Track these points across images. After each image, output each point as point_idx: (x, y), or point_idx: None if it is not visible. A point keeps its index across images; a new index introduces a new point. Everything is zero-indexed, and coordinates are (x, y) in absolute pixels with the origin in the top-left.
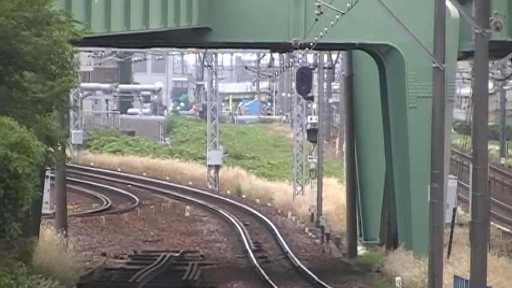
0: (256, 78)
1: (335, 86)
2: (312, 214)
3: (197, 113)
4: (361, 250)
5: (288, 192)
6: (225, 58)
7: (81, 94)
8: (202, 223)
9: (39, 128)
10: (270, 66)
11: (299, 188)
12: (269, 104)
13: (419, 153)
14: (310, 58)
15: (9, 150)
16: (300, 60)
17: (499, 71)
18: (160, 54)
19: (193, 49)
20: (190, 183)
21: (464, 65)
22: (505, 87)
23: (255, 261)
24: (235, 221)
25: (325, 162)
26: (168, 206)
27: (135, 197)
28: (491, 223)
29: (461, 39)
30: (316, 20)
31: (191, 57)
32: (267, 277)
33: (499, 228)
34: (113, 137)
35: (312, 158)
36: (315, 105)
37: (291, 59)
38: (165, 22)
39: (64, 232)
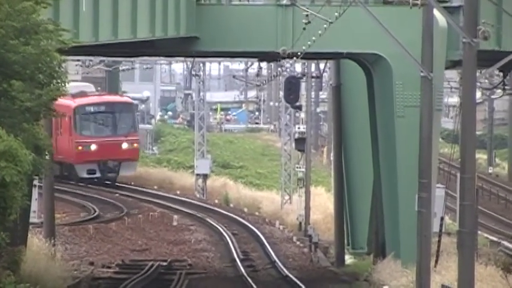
0: (244, 87)
1: (323, 95)
2: (300, 223)
3: (185, 122)
4: (349, 259)
5: (276, 201)
6: (213, 67)
7: None
8: (190, 232)
9: (27, 137)
10: (257, 75)
11: (287, 197)
12: (257, 113)
13: (407, 162)
14: (298, 67)
15: None
16: (288, 70)
17: (486, 80)
18: (148, 63)
19: (181, 58)
20: (179, 192)
21: (452, 74)
22: (492, 97)
23: (242, 270)
24: (223, 230)
25: (313, 171)
26: (156, 215)
27: (123, 206)
28: (479, 232)
29: (449, 48)
30: (304, 29)
31: (179, 66)
32: (254, 286)
33: (487, 237)
34: None
35: (299, 167)
36: (302, 115)
37: (279, 68)
38: (153, 31)
39: (52, 241)
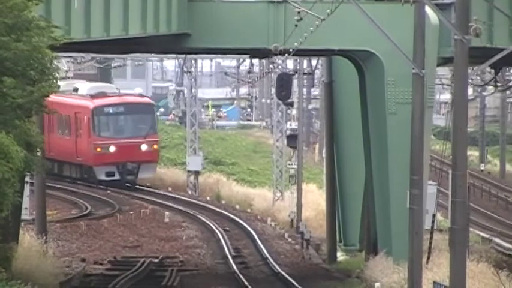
0: (236, 84)
1: (315, 92)
2: (292, 220)
3: (177, 119)
4: (340, 256)
5: (268, 198)
6: (205, 64)
7: None
8: (182, 229)
9: (18, 134)
10: (249, 72)
11: (279, 194)
12: (249, 110)
13: (398, 159)
14: (290, 64)
15: None
16: (280, 66)
17: (478, 77)
18: (140, 60)
19: (173, 55)
20: (170, 189)
21: (444, 71)
22: (484, 93)
23: (234, 267)
24: (215, 226)
25: (304, 168)
26: (147, 212)
27: (115, 203)
28: (471, 229)
29: (441, 45)
30: (296, 26)
31: (171, 63)
32: (246, 283)
33: (479, 234)
34: None
35: (291, 164)
36: (294, 111)
37: (271, 65)
38: (144, 28)
39: (43, 238)
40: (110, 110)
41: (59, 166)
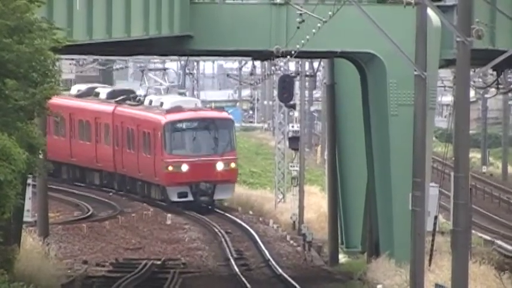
0: (238, 86)
1: (317, 94)
2: (294, 222)
3: None
4: (342, 258)
5: (270, 200)
6: (207, 66)
7: None
8: (184, 231)
9: (21, 136)
10: (251, 74)
11: (281, 196)
12: (251, 111)
13: (400, 161)
14: (292, 66)
15: None
16: (282, 68)
17: (480, 79)
18: (142, 62)
19: (175, 57)
20: None
21: (446, 73)
22: (486, 96)
23: (236, 269)
24: (217, 229)
25: (306, 170)
26: (149, 214)
27: (117, 205)
28: (473, 231)
29: (443, 47)
30: (298, 28)
31: (173, 65)
32: (248, 285)
33: (481, 237)
34: None
35: (293, 166)
36: (296, 113)
37: (273, 67)
38: (146, 30)
39: (45, 240)
40: (183, 125)
41: (147, 188)
